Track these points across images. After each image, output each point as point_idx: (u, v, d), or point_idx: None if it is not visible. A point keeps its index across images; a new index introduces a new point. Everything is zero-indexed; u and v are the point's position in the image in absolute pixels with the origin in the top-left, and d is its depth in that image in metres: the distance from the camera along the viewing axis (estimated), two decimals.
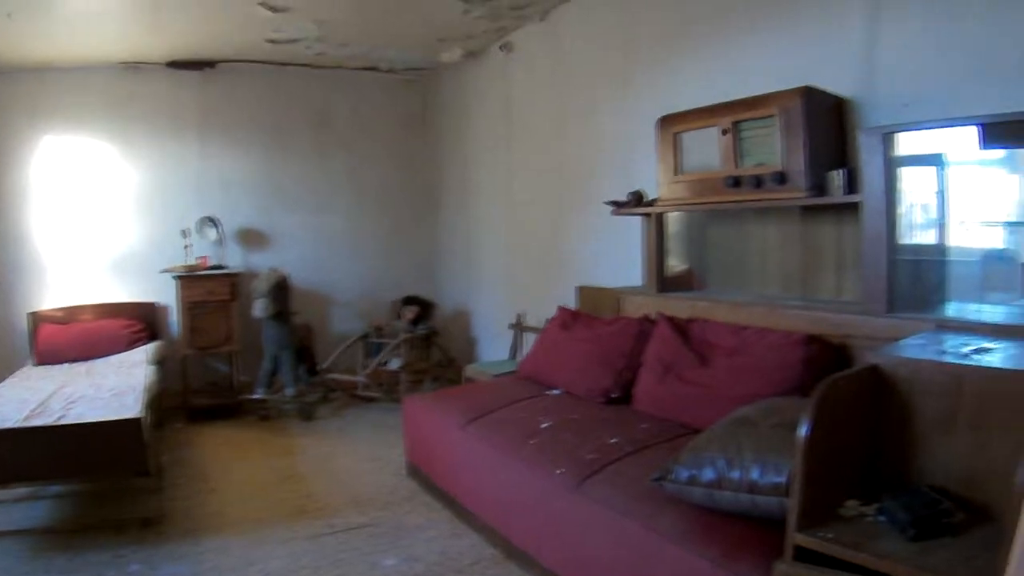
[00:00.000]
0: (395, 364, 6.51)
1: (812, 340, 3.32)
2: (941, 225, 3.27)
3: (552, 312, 4.90)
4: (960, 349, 2.48)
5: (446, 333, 7.19)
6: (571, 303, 5.05)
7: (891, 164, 3.08)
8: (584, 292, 5.04)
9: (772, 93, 3.56)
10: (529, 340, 5.71)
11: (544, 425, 3.67)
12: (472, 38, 6.27)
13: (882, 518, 2.13)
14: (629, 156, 4.90)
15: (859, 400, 2.37)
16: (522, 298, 6.29)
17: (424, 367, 6.66)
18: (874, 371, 2.41)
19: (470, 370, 5.85)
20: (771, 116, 3.54)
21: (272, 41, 6.05)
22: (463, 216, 7.38)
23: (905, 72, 3.36)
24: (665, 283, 4.41)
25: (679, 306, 4.19)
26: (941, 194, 3.27)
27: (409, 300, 6.98)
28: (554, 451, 3.35)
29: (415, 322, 6.75)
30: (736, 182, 3.70)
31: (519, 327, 6.17)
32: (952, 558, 1.93)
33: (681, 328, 3.93)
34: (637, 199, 4.45)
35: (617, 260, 5.02)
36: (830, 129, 3.58)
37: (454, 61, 6.73)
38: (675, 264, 4.59)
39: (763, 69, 3.91)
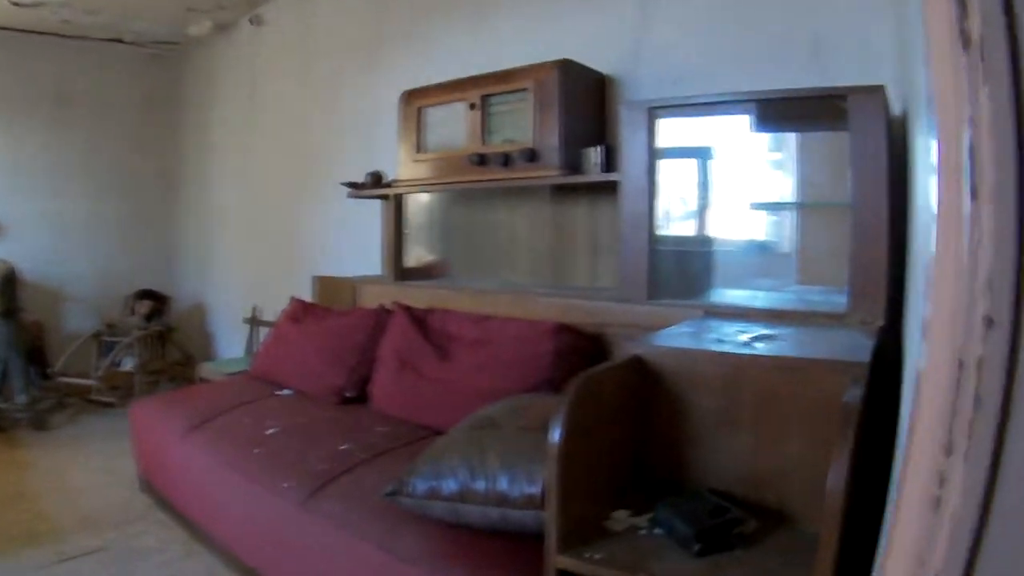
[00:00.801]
0: (129, 364, 5.49)
1: (563, 329, 2.84)
2: (706, 211, 2.98)
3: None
4: (736, 337, 2.08)
5: (184, 329, 6.18)
6: (309, 295, 4.36)
7: (655, 142, 2.69)
8: (321, 282, 4.32)
9: (527, 66, 3.09)
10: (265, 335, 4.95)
11: (271, 431, 2.97)
12: (223, 9, 5.40)
13: (659, 530, 1.72)
14: (373, 136, 4.28)
15: (621, 396, 1.92)
16: (260, 290, 5.45)
17: (160, 367, 5.64)
18: (638, 363, 1.96)
19: (204, 369, 4.93)
20: (524, 90, 3.05)
21: (16, 4, 4.99)
22: (203, 203, 6.39)
23: (675, 50, 3.06)
24: (405, 271, 3.81)
25: (418, 295, 3.59)
26: (704, 183, 2.97)
27: (143, 294, 5.92)
28: (281, 461, 2.70)
29: (149, 318, 5.72)
30: (482, 160, 3.16)
31: (255, 321, 5.33)
32: (749, 573, 1.56)
33: (419, 319, 3.32)
34: (375, 180, 3.81)
35: (361, 248, 4.37)
36: (589, 106, 3.16)
37: (203, 35, 5.76)
38: (421, 253, 4.00)
39: (522, 44, 3.46)
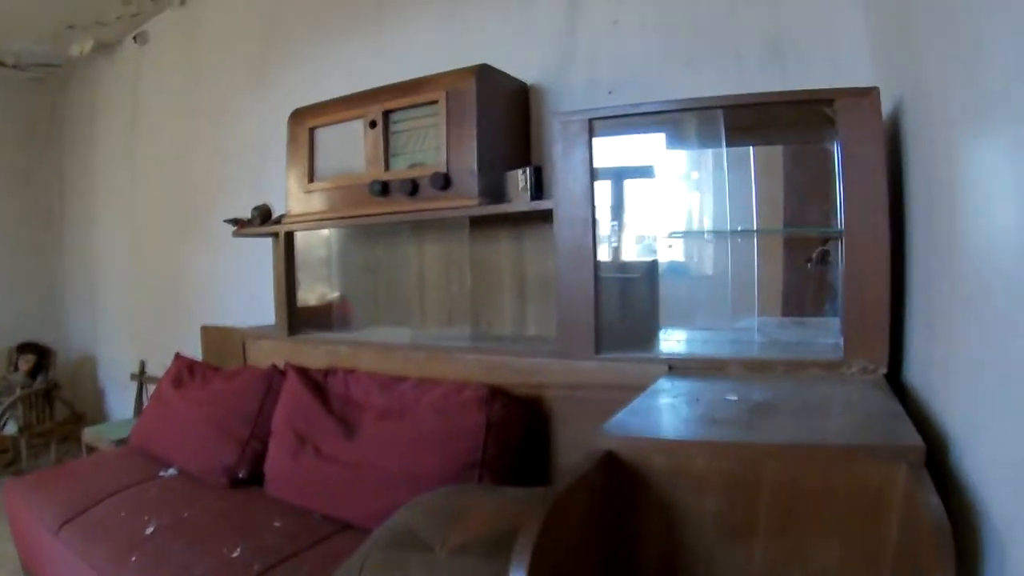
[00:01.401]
0: (12, 428, 4.60)
1: (495, 395, 2.18)
2: (646, 240, 2.43)
3: None
4: (729, 409, 1.50)
5: (73, 384, 5.24)
6: (198, 348, 3.62)
7: (595, 161, 2.10)
8: (208, 334, 3.55)
9: (437, 74, 2.46)
10: None
11: (150, 530, 2.25)
12: (104, 25, 4.58)
13: None
14: (263, 165, 3.54)
15: (596, 508, 1.32)
16: (148, 341, 4.58)
17: (48, 428, 4.72)
18: (612, 461, 1.34)
19: (89, 435, 4.06)
20: (433, 103, 2.41)
21: None
22: (88, 244, 5.36)
23: (609, 54, 2.55)
24: (299, 322, 3.04)
25: (315, 352, 2.85)
26: (642, 208, 2.42)
27: (25, 347, 5.01)
28: (160, 573, 2.01)
29: (33, 373, 4.84)
30: (384, 189, 2.49)
31: (142, 378, 4.47)
32: None
33: (316, 383, 2.61)
34: (263, 216, 3.07)
35: (253, 293, 3.61)
36: (512, 121, 2.55)
37: (85, 55, 4.94)
38: (318, 297, 3.27)
39: (429, 55, 2.85)
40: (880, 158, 1.71)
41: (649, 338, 2.30)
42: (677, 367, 1.98)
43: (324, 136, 2.76)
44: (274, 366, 2.82)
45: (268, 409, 2.68)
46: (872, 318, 1.73)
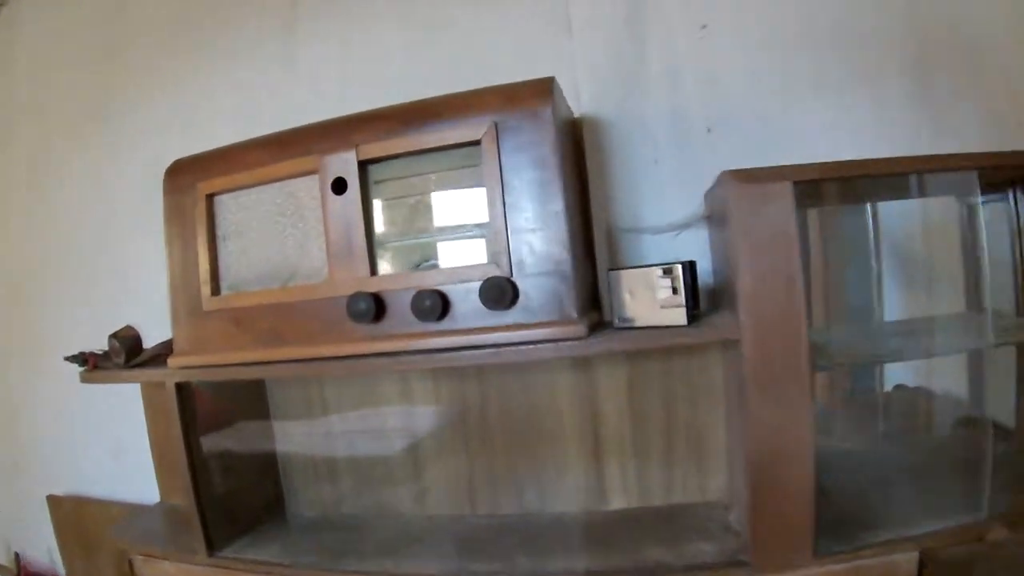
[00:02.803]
0: None
1: None
2: None
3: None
4: None
5: None
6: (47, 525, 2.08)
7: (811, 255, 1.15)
8: (61, 511, 2.03)
9: (472, 92, 1.19)
10: None
11: None
12: None
13: None
14: (116, 256, 2.06)
15: None
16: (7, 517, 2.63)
17: None
18: None
19: None
20: (471, 144, 1.14)
21: None
22: None
23: (698, 73, 1.52)
24: (220, 522, 1.50)
25: None
26: None
27: None
28: None
29: None
30: (377, 309, 1.18)
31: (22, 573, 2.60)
32: None
33: None
34: (129, 348, 1.54)
35: (119, 449, 2.07)
36: (576, 177, 1.37)
37: None
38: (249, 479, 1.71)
39: (388, 74, 1.68)
40: None
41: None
42: (931, 548, 1.11)
43: (233, 209, 1.38)
44: None
45: None
46: None
